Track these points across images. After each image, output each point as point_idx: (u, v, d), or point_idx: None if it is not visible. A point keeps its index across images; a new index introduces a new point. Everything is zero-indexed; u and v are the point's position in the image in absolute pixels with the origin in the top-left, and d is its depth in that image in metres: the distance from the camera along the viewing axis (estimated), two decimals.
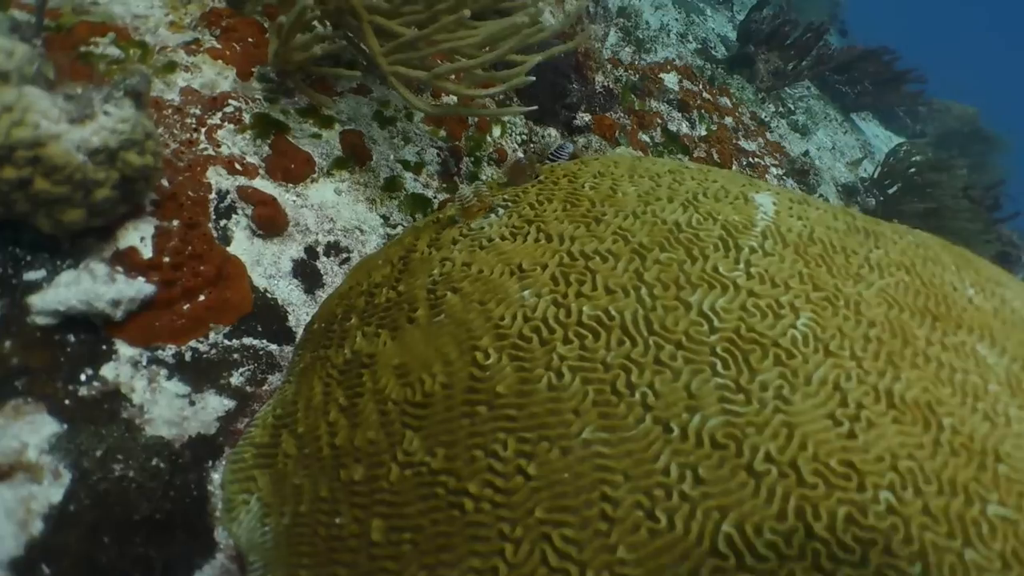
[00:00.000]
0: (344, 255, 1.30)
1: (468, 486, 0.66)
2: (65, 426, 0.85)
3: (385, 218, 1.42)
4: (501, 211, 0.91)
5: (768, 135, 3.14)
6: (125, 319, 0.95)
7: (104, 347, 0.95)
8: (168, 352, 0.99)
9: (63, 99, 0.86)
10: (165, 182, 1.13)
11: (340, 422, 0.79)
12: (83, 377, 0.91)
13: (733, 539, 0.59)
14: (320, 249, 1.28)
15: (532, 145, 1.87)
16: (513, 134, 1.86)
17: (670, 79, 2.83)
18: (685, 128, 2.52)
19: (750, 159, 2.69)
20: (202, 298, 1.05)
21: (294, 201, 1.31)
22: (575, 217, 0.85)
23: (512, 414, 0.68)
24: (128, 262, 0.99)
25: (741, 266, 0.77)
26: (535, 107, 1.50)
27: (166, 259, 1.02)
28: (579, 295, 0.74)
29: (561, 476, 0.63)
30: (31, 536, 0.76)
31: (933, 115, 5.01)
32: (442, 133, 1.65)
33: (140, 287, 0.96)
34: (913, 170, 3.31)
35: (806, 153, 3.23)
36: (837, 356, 0.70)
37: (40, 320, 0.90)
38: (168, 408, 0.94)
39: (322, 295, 1.22)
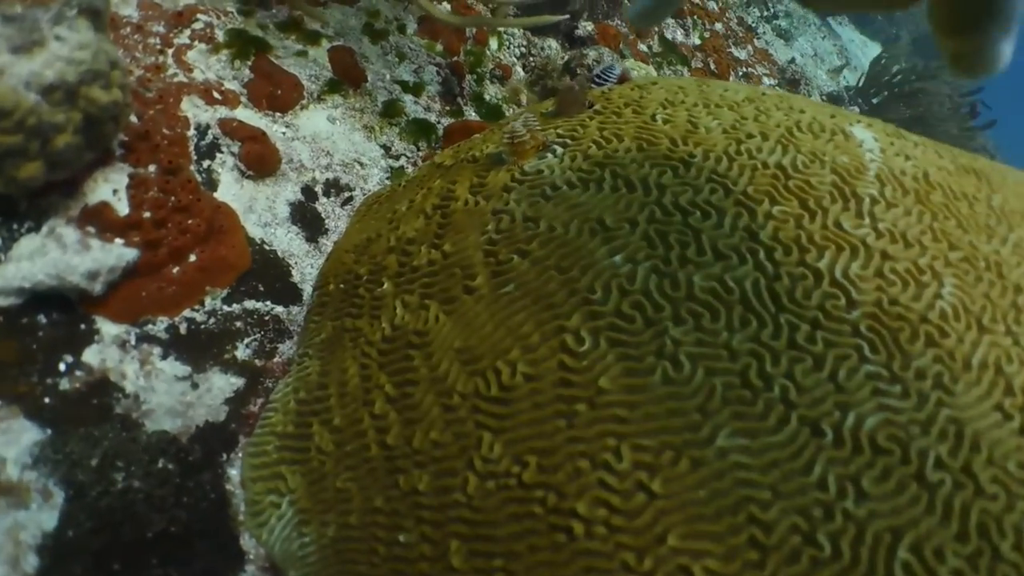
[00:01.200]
0: (346, 194, 1.13)
1: (575, 505, 0.53)
2: (49, 432, 0.69)
3: (386, 148, 1.23)
4: (559, 149, 0.75)
5: (756, 42, 2.95)
6: (105, 292, 0.78)
7: (83, 327, 0.78)
8: (160, 326, 0.83)
9: (1, 22, 0.66)
10: (134, 118, 0.93)
11: (390, 416, 0.65)
12: (62, 367, 0.74)
13: (912, 567, 0.48)
14: (319, 188, 1.10)
15: (532, 58, 1.67)
16: (511, 47, 1.65)
17: None
18: (680, 36, 2.33)
19: (745, 69, 2.52)
20: (193, 258, 0.87)
21: (284, 133, 1.12)
22: (656, 159, 0.70)
23: (622, 414, 0.55)
24: (102, 221, 0.80)
25: (867, 221, 0.64)
26: (566, 15, 1.30)
27: (146, 214, 0.84)
28: (684, 260, 0.60)
29: (695, 494, 0.51)
30: (28, 573, 0.62)
31: (908, 18, 4.84)
32: (439, 47, 1.44)
33: (120, 252, 0.78)
34: (899, 78, 3.18)
35: (792, 61, 3.07)
36: (992, 332, 0.58)
37: (1, 301, 0.72)
38: (168, 395, 0.79)
39: (327, 243, 1.05)
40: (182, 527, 0.71)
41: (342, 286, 0.85)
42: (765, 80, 2.50)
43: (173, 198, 0.87)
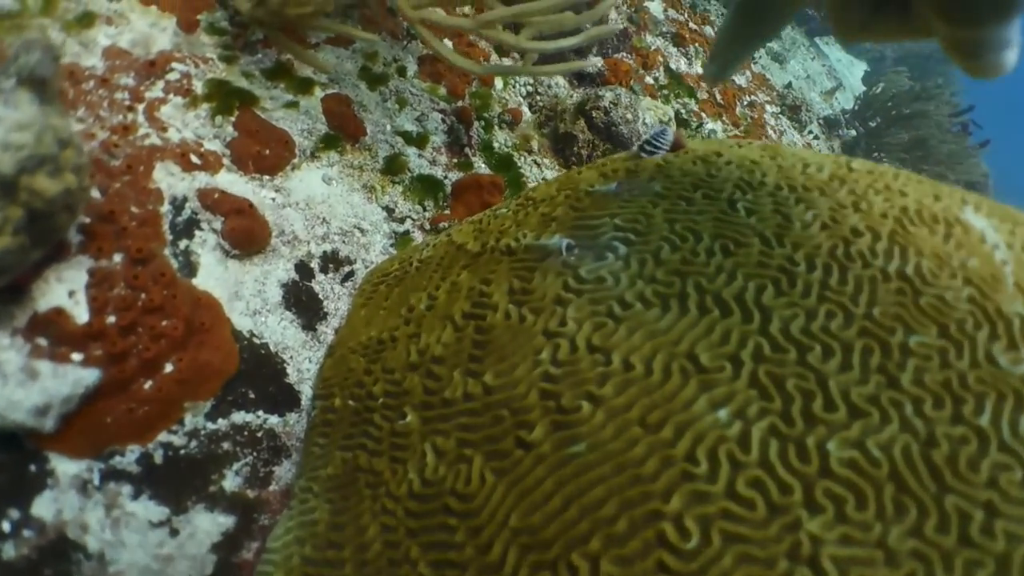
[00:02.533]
0: (346, 268, 0.98)
1: None
2: None
3: (389, 210, 1.09)
4: (622, 248, 0.61)
5: (753, 66, 2.85)
6: (73, 414, 0.63)
7: (34, 468, 0.62)
8: (130, 457, 0.68)
9: None
10: (97, 193, 0.78)
11: None
12: (7, 527, 0.59)
13: None
14: (315, 264, 0.95)
15: (539, 97, 1.53)
16: (517, 86, 1.52)
17: (655, 7, 2.48)
18: (684, 66, 2.21)
19: (748, 97, 2.41)
20: (169, 368, 0.72)
21: (273, 199, 0.97)
22: (749, 267, 0.56)
23: None
24: (56, 333, 0.65)
25: None
26: (599, 59, 1.16)
27: (110, 319, 0.69)
28: (810, 418, 0.47)
29: None
30: None
31: None
32: (442, 90, 1.30)
33: (77, 376, 0.63)
34: (893, 100, 3.10)
35: (789, 85, 2.98)
36: None
37: None
38: (142, 548, 0.63)
39: (326, 330, 0.90)
40: None
41: (351, 403, 0.70)
42: (768, 107, 2.39)
43: (143, 295, 0.72)
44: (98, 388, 0.65)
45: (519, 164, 1.32)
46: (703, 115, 1.98)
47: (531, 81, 1.54)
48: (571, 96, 1.58)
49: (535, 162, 1.38)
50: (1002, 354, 0.50)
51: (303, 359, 0.87)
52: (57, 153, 0.59)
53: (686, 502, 0.45)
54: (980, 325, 0.51)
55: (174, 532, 0.66)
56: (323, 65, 1.07)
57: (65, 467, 0.64)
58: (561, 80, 1.59)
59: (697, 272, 0.56)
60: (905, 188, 0.67)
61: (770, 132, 2.21)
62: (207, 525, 0.68)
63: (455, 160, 1.22)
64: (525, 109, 1.52)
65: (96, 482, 0.65)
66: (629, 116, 1.38)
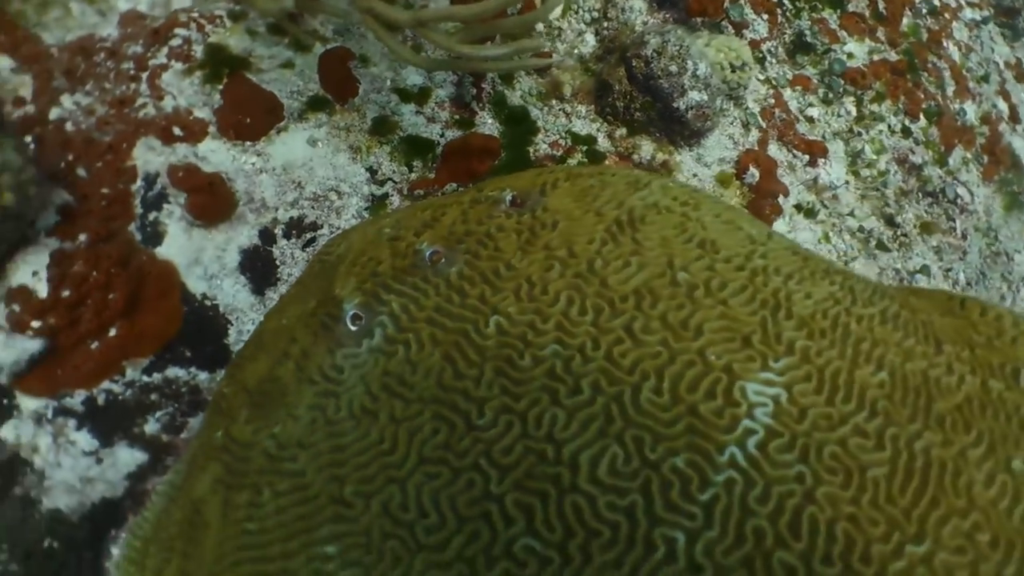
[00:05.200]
0: (309, 234, 1.12)
1: None
2: None
3: (372, 171, 1.18)
4: (386, 323, 0.69)
5: None
6: (20, 374, 0.89)
7: (5, 402, 0.90)
8: (77, 399, 0.93)
9: None
10: (83, 171, 0.98)
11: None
12: None
13: None
14: (279, 230, 1.10)
15: (607, 24, 1.45)
16: (580, 11, 1.44)
17: None
18: None
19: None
20: (113, 333, 0.94)
21: (252, 164, 1.11)
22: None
23: None
24: (21, 304, 0.89)
25: None
26: (563, 57, 1.11)
27: (65, 293, 0.91)
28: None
29: None
30: None
31: None
32: None
33: (24, 346, 0.87)
34: None
35: None
36: None
37: None
38: (72, 470, 0.90)
39: (273, 296, 1.08)
40: None
41: (225, 388, 0.88)
42: (967, 12, 1.94)
43: (94, 273, 0.93)
44: (51, 347, 0.90)
45: (536, 118, 1.31)
46: (844, 34, 1.70)
47: (597, 6, 1.45)
48: (644, 22, 1.46)
49: (563, 111, 1.35)
50: None
51: (248, 320, 1.05)
52: None
53: None
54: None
55: (99, 460, 0.91)
56: (333, 9, 1.13)
57: (27, 403, 0.90)
58: (638, 2, 1.46)
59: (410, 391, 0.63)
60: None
61: (952, 53, 1.83)
62: (126, 458, 0.93)
63: (456, 117, 1.25)
64: (589, 37, 1.45)
65: (50, 415, 0.91)
66: (673, 68, 1.28)
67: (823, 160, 1.59)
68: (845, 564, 0.49)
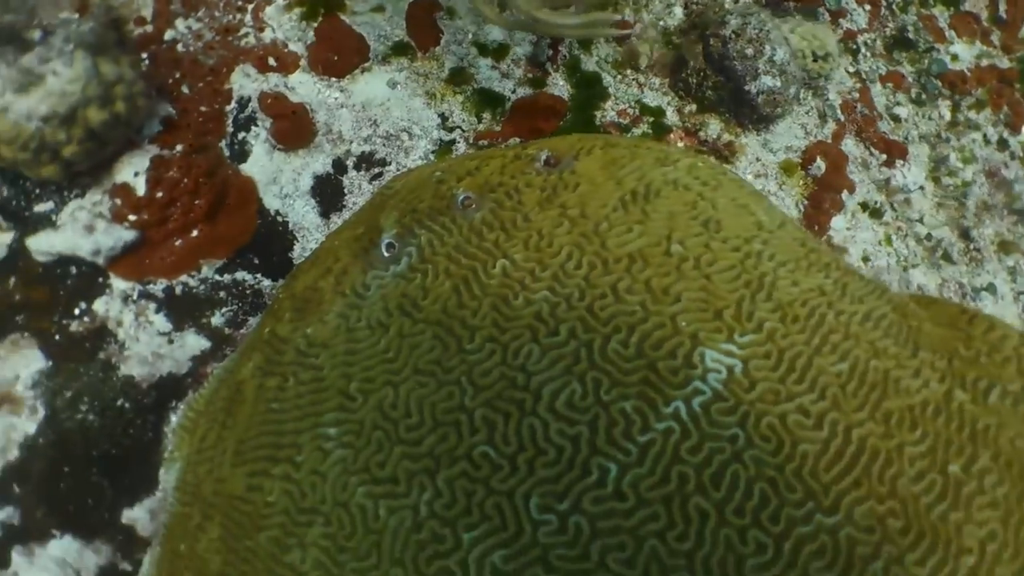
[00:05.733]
0: (377, 169, 1.23)
1: None
2: (50, 363, 1.01)
3: (443, 117, 1.28)
4: (412, 252, 0.79)
5: None
6: (115, 257, 1.04)
7: (101, 280, 1.06)
8: (159, 286, 1.08)
9: (5, 67, 0.86)
10: (186, 89, 1.12)
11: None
12: (77, 311, 1.04)
13: None
14: (351, 162, 1.22)
15: (696, 3, 1.47)
16: None
17: None
18: None
19: None
20: (195, 234, 1.09)
21: (335, 99, 1.22)
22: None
23: None
24: (122, 199, 1.04)
25: None
26: (633, 31, 1.15)
27: (159, 195, 1.06)
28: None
29: None
30: (7, 460, 0.97)
31: None
32: None
33: (119, 235, 1.02)
34: None
35: None
36: None
37: (41, 257, 1.02)
38: (147, 346, 1.06)
39: (337, 221, 1.20)
40: (122, 451, 1.01)
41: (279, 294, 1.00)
42: None
43: (185, 180, 1.07)
44: (140, 242, 1.05)
45: (608, 85, 1.36)
46: (952, 34, 1.65)
47: None
48: (736, 2, 1.47)
49: (636, 81, 1.39)
50: None
51: (312, 239, 1.18)
52: (103, 93, 0.93)
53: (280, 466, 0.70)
54: None
55: (171, 341, 1.07)
56: None
57: (118, 284, 1.06)
58: None
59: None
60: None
61: None
62: (192, 343, 1.08)
63: (530, 75, 1.32)
64: (677, 9, 1.47)
65: (135, 297, 1.07)
66: (749, 51, 1.30)
67: (901, 162, 1.57)
68: (754, 518, 0.56)
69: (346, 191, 1.20)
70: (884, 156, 1.56)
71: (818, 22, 1.52)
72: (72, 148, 0.94)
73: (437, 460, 0.61)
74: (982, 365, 0.73)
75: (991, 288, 1.61)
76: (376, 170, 1.22)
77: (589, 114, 1.33)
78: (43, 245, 1.00)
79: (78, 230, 1.00)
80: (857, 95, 1.56)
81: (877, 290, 0.78)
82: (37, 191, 1.04)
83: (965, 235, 1.64)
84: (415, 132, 1.25)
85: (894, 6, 1.71)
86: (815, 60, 1.41)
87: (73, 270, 1.05)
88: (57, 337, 1.03)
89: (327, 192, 1.19)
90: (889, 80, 1.63)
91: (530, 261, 0.71)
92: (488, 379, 0.64)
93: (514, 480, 0.58)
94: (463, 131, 1.28)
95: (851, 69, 1.60)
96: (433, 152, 1.26)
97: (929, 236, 1.58)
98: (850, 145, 1.53)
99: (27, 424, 0.99)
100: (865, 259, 1.47)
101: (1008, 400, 0.70)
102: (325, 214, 1.19)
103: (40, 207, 1.04)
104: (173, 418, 1.05)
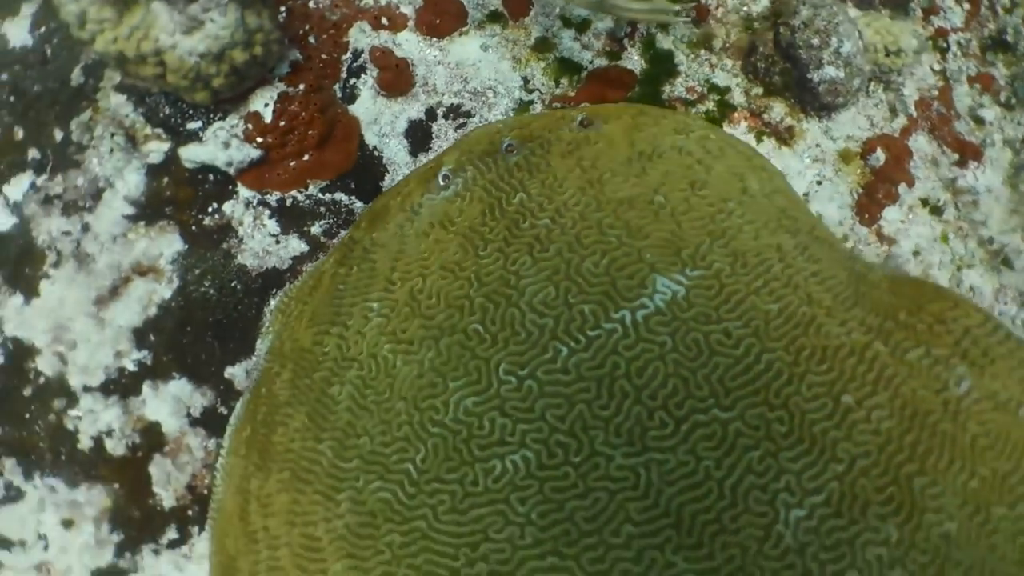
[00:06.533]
0: (463, 120, 1.46)
1: None
2: (186, 247, 1.33)
3: (526, 81, 1.49)
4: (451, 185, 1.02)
5: None
6: (243, 170, 1.34)
7: (230, 187, 1.36)
8: (274, 197, 1.38)
9: (176, 14, 1.16)
10: (312, 39, 1.40)
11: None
12: (210, 210, 1.35)
13: None
14: (440, 111, 1.46)
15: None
16: None
17: None
18: None
19: None
20: (306, 158, 1.37)
21: (434, 57, 1.46)
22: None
23: None
24: (252, 125, 1.34)
25: None
26: (684, 19, 1.31)
27: (281, 123, 1.35)
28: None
29: None
30: (147, 315, 1.30)
31: None
32: None
33: (247, 152, 1.32)
34: None
35: None
36: None
37: (187, 164, 1.33)
38: (259, 243, 1.36)
39: (422, 159, 1.44)
40: (231, 322, 1.32)
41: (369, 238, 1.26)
42: None
43: (303, 113, 1.35)
44: (263, 159, 1.34)
45: (680, 63, 1.52)
46: None
47: None
48: None
49: (709, 62, 1.54)
50: None
51: (399, 173, 1.43)
52: (247, 38, 1.21)
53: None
54: None
55: (278, 242, 1.36)
56: None
57: (243, 192, 1.36)
58: None
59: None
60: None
61: None
62: (294, 246, 1.37)
63: (607, 48, 1.50)
64: None
65: (255, 204, 1.37)
66: (815, 41, 1.42)
67: (975, 164, 1.63)
68: (663, 403, 0.76)
69: (433, 136, 1.45)
70: (956, 156, 1.62)
71: (899, 18, 1.60)
72: (219, 80, 1.23)
73: (442, 331, 0.84)
74: (918, 331, 0.88)
75: None
76: (461, 120, 1.46)
77: (657, 88, 1.50)
78: (190, 155, 1.31)
79: (217, 145, 1.30)
80: (936, 93, 1.63)
81: (842, 258, 0.93)
82: (190, 112, 1.35)
83: None
84: (499, 91, 1.47)
85: (998, 7, 1.75)
86: (887, 55, 1.50)
87: (210, 177, 1.35)
88: (193, 228, 1.34)
89: (417, 135, 1.44)
90: (978, 81, 1.68)
91: (541, 196, 0.92)
92: (490, 278, 0.86)
93: (492, 350, 0.80)
94: (541, 94, 1.48)
95: (936, 67, 1.66)
96: (513, 110, 1.48)
97: (992, 240, 1.63)
98: (921, 142, 1.61)
99: (165, 290, 1.31)
100: (916, 252, 1.56)
101: (927, 361, 0.84)
102: (413, 153, 1.44)
103: (191, 125, 1.35)
104: (272, 302, 1.34)
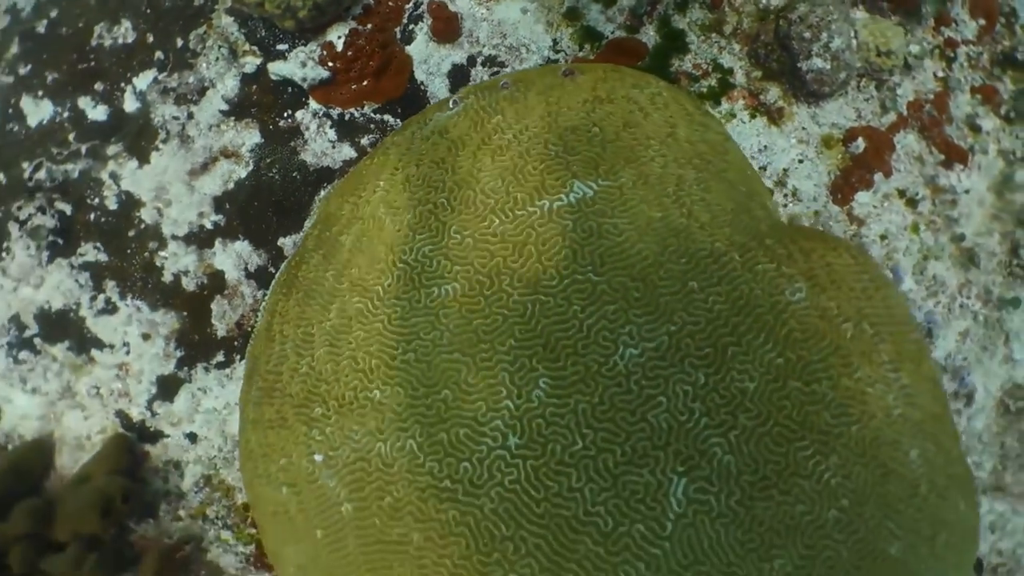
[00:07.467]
0: (497, 68, 1.83)
1: None
2: (263, 140, 1.76)
3: (555, 42, 1.84)
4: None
5: None
6: (314, 86, 1.76)
7: (303, 99, 1.78)
8: (335, 112, 1.79)
9: None
10: None
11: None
12: (285, 115, 1.78)
13: None
14: (480, 59, 1.83)
15: None
16: None
17: None
18: None
19: None
20: (365, 84, 1.77)
21: (481, 14, 1.84)
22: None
23: None
24: (326, 51, 1.75)
25: None
26: None
27: (349, 53, 1.75)
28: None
29: None
30: (226, 188, 1.74)
31: None
32: None
33: (319, 73, 1.73)
34: None
35: None
36: None
37: (273, 76, 1.76)
38: (319, 146, 1.77)
39: (458, 99, 1.82)
40: (289, 203, 1.74)
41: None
42: None
43: (367, 47, 1.76)
44: (331, 80, 1.75)
45: (691, 43, 1.83)
46: None
47: None
48: None
49: (718, 44, 1.84)
50: None
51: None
52: None
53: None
54: None
55: (333, 147, 1.77)
56: None
57: (312, 104, 1.78)
58: None
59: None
60: None
61: None
62: (346, 152, 1.77)
63: (627, 23, 1.83)
64: None
65: (320, 115, 1.78)
66: (807, 35, 1.70)
67: (960, 166, 1.86)
68: (555, 264, 1.11)
69: (471, 79, 1.82)
70: (943, 157, 1.86)
71: (909, 25, 1.84)
72: (304, 12, 1.65)
73: (419, 201, 1.22)
74: (776, 253, 1.19)
75: (1015, 302, 1.86)
76: (496, 69, 1.83)
77: (666, 62, 1.81)
78: (276, 69, 1.74)
79: (297, 64, 1.72)
80: (932, 97, 1.87)
81: (739, 196, 1.25)
82: (280, 36, 1.77)
83: (1015, 250, 1.89)
84: (532, 48, 1.83)
85: (1017, 26, 1.96)
86: (878, 55, 1.76)
87: (289, 89, 1.78)
88: (270, 127, 1.77)
89: (458, 77, 1.82)
90: (980, 92, 1.91)
91: (512, 117, 1.28)
92: (461, 171, 1.23)
93: (451, 216, 1.18)
94: (566, 55, 1.83)
95: (940, 74, 1.90)
96: (541, 66, 1.83)
97: (963, 237, 1.86)
98: (910, 140, 1.85)
99: (241, 171, 1.75)
100: (883, 236, 1.81)
101: (773, 273, 1.16)
102: (453, 91, 1.82)
103: (280, 46, 1.77)
104: (321, 192, 1.76)
